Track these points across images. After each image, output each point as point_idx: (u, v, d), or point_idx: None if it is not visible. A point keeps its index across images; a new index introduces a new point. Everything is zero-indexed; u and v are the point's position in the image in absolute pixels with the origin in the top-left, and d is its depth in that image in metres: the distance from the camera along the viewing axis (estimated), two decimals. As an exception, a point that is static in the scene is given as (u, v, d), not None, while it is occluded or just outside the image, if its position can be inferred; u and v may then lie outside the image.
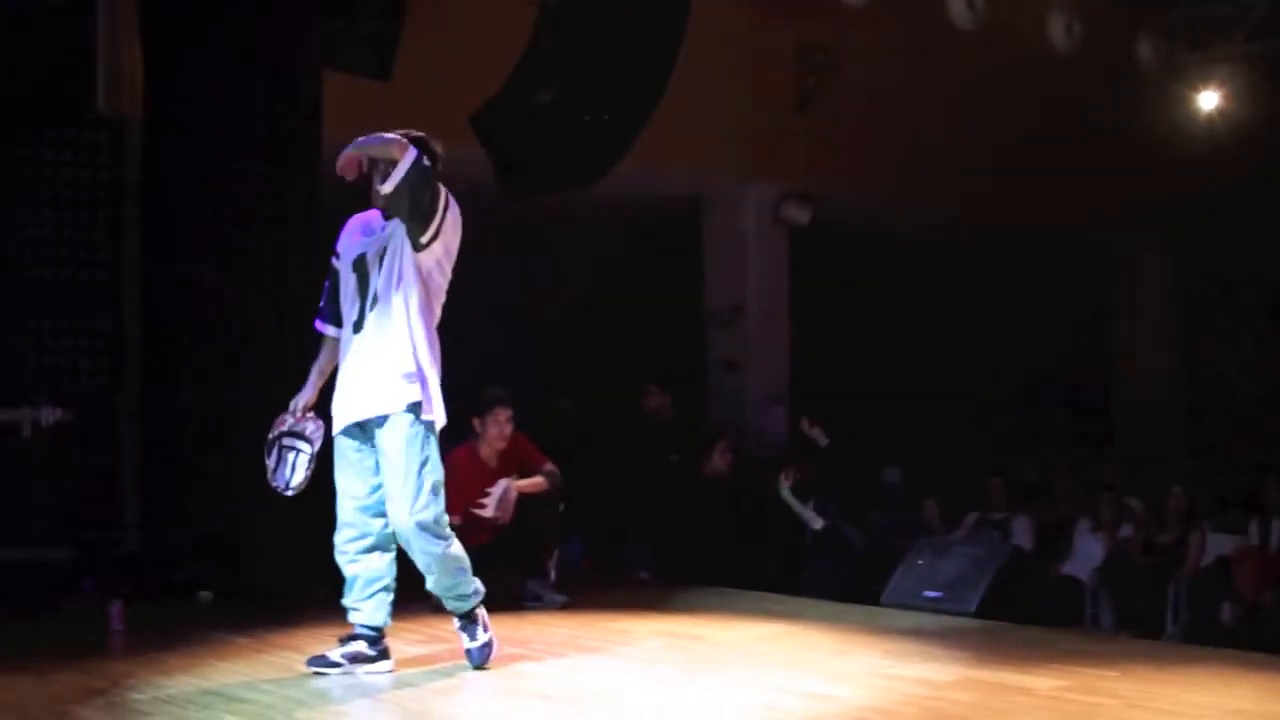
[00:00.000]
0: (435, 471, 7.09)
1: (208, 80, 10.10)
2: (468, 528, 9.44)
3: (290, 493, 7.35)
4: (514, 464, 9.70)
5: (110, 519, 10.69)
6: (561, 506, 9.81)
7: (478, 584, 7.32)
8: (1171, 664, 8.16)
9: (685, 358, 15.56)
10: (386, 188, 7.01)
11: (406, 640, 8.09)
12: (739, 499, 12.73)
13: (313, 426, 7.33)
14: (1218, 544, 11.92)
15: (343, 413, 7.15)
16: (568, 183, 11.62)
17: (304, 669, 7.15)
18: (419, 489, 7.00)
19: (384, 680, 7.10)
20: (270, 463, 7.33)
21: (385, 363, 7.02)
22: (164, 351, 10.30)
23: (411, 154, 6.97)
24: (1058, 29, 14.58)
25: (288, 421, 7.34)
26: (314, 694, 6.76)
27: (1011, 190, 15.75)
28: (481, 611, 7.34)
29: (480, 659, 7.26)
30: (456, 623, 7.32)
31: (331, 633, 7.44)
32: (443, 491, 7.15)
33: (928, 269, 17.11)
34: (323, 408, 7.32)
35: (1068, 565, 12.35)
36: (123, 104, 11.12)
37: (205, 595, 9.48)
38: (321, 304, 7.38)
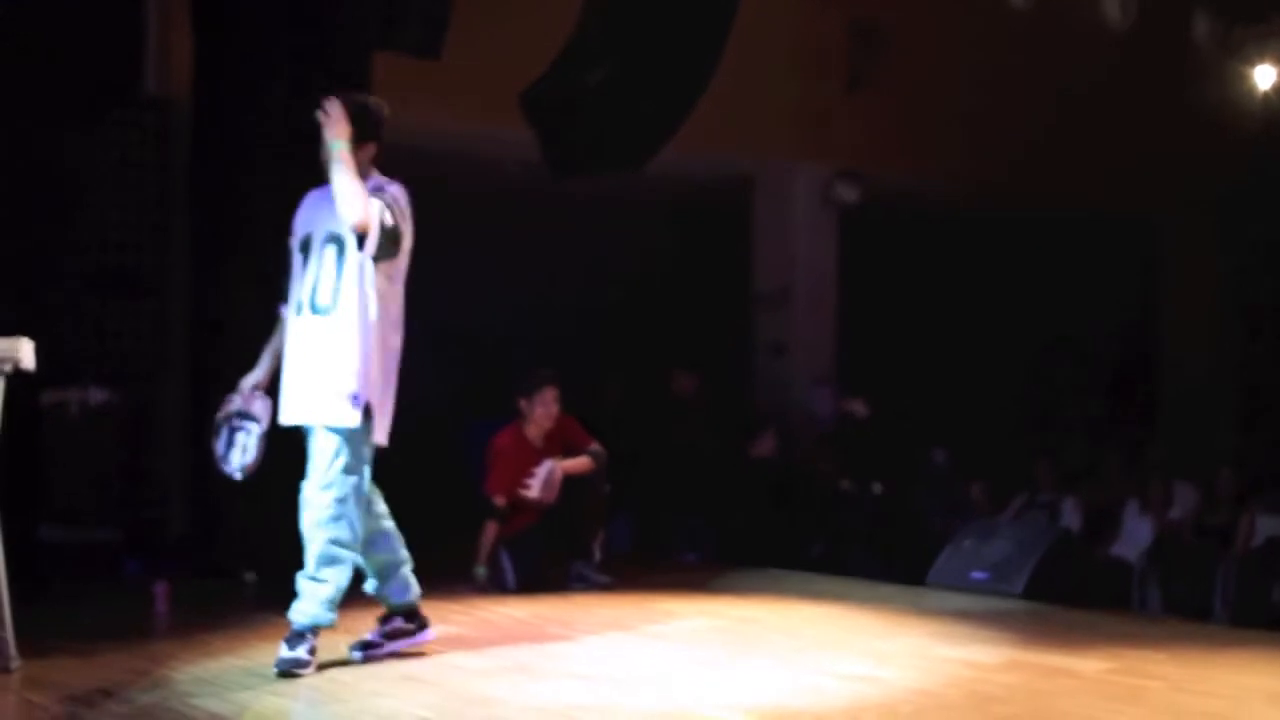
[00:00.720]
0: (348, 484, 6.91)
1: (256, 62, 10.12)
2: (513, 508, 9.48)
3: (239, 475, 7.14)
4: (560, 445, 9.70)
5: (156, 500, 10.74)
6: (607, 488, 9.80)
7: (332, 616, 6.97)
8: (1219, 647, 8.12)
9: (732, 339, 15.54)
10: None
11: (450, 621, 8.12)
12: (785, 481, 12.72)
13: (260, 405, 7.12)
14: (1268, 525, 11.83)
15: (286, 410, 7.02)
16: (616, 164, 11.58)
17: (346, 650, 7.17)
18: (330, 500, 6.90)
19: (425, 660, 7.11)
20: (219, 446, 7.12)
21: (327, 371, 6.84)
22: (210, 333, 10.32)
23: (375, 221, 6.82)
24: (1112, 4, 14.45)
25: (235, 402, 7.15)
26: (357, 674, 6.78)
27: (1063, 169, 15.66)
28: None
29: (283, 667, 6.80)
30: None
31: (373, 612, 7.45)
32: (350, 502, 6.93)
33: (976, 248, 17.02)
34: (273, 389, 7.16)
35: (1116, 547, 12.27)
36: (171, 87, 11.15)
37: (250, 576, 9.51)
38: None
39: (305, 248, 7.09)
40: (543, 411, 9.63)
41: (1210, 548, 11.79)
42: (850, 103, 14.92)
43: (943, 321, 17.04)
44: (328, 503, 6.88)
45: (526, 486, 9.50)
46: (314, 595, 6.87)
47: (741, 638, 8.02)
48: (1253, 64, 14.34)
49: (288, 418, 7.00)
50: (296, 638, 6.81)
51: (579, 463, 9.65)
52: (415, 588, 7.30)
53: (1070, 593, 10.01)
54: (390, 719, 5.99)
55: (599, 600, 9.11)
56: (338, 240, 6.93)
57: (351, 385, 6.78)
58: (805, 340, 15.39)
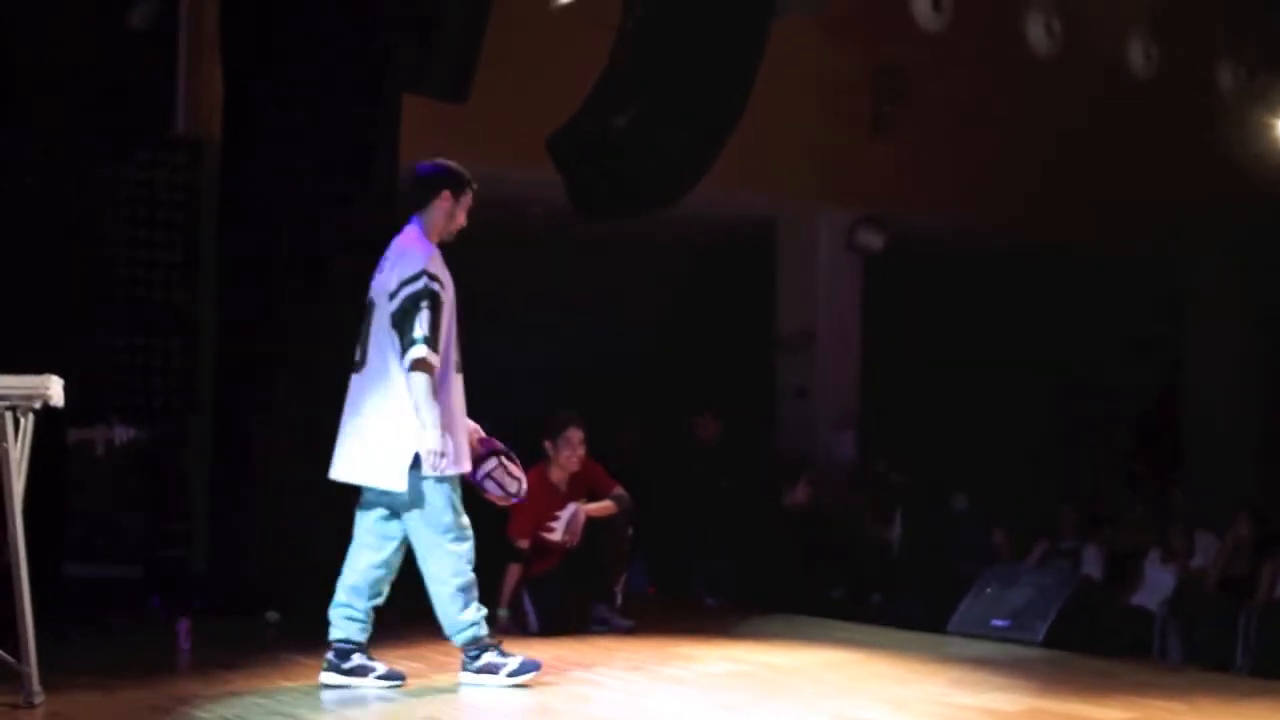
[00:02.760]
0: None
1: (286, 103, 10.19)
2: (536, 551, 9.49)
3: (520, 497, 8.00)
4: (584, 488, 9.71)
5: (180, 538, 10.79)
6: (630, 531, 9.82)
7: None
8: (1240, 697, 8.09)
9: (755, 383, 15.55)
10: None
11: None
12: (812, 526, 12.73)
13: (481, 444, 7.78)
14: (1292, 575, 11.80)
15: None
16: (642, 206, 11.62)
17: (369, 689, 7.21)
18: None
19: (447, 702, 7.13)
20: (496, 492, 7.80)
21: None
22: (237, 372, 10.38)
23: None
24: (1136, 54, 14.51)
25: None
26: (378, 715, 6.80)
27: (1086, 215, 15.69)
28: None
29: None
30: None
31: (396, 653, 7.47)
32: None
33: (1001, 293, 17.03)
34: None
35: (1137, 596, 12.25)
36: (201, 126, 11.25)
37: (273, 615, 9.53)
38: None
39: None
40: (568, 453, 9.64)
41: (1232, 598, 11.75)
42: (873, 147, 14.97)
43: (966, 366, 17.05)
44: None
45: (550, 529, 9.51)
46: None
47: (761, 683, 8.01)
48: (1276, 113, 14.39)
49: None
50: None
51: (603, 506, 9.67)
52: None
53: (1091, 641, 10.00)
54: (411, 760, 6.01)
55: (620, 643, 9.12)
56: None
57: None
58: (828, 384, 15.42)
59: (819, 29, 13.88)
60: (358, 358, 7.46)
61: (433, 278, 7.29)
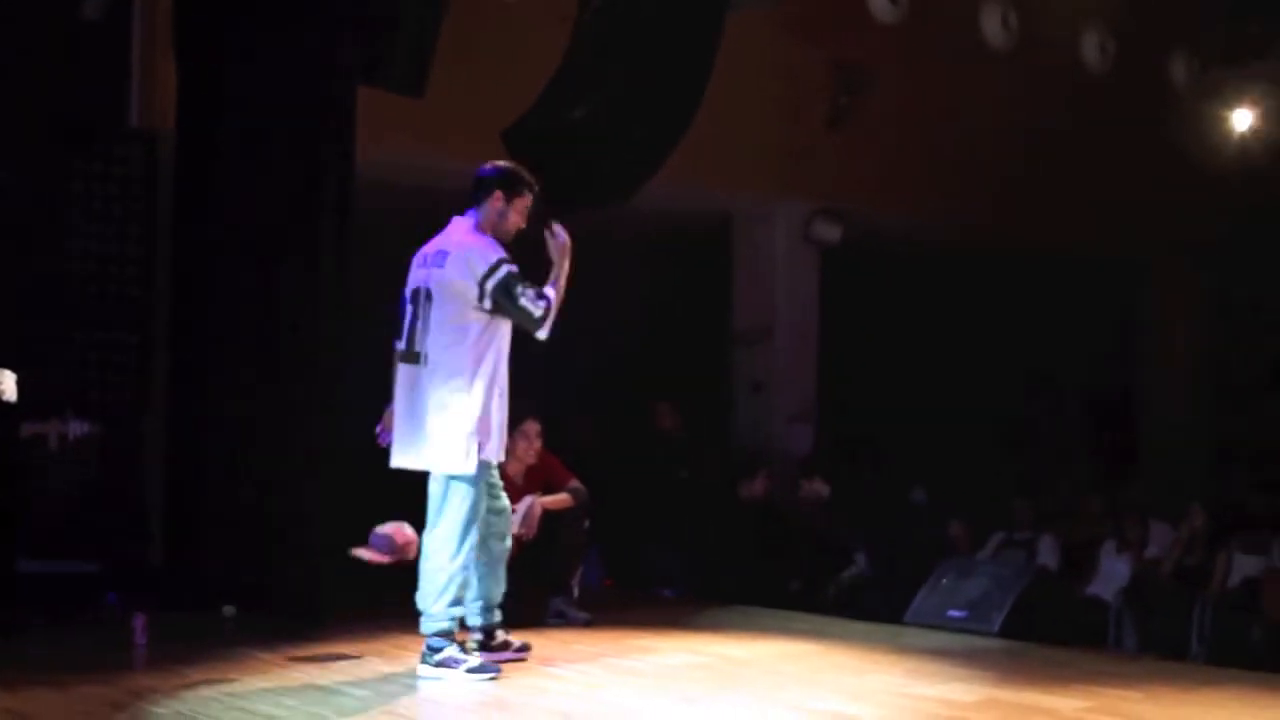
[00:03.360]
0: None
1: (241, 96, 10.14)
2: None
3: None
4: (539, 480, 9.68)
5: (135, 532, 10.73)
6: (586, 524, 9.80)
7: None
8: (1195, 686, 8.14)
9: (712, 377, 15.56)
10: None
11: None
12: (767, 519, 12.75)
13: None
14: (1245, 565, 11.87)
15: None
16: (599, 199, 11.60)
17: (327, 682, 7.21)
18: None
19: (403, 697, 7.12)
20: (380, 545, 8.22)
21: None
22: (192, 366, 10.34)
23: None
24: (1091, 48, 14.58)
25: None
26: (336, 710, 6.77)
27: (1042, 208, 15.76)
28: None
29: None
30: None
31: (355, 647, 7.46)
32: None
33: (957, 286, 17.09)
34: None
35: (1093, 586, 12.30)
36: (156, 119, 11.18)
37: (229, 610, 9.49)
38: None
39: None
40: (524, 446, 9.59)
41: (1187, 587, 11.81)
42: (831, 141, 14.98)
43: (924, 360, 17.10)
44: None
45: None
46: None
47: (718, 675, 8.02)
48: (1230, 107, 14.45)
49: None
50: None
51: (559, 499, 9.64)
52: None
53: (1047, 631, 10.05)
54: (368, 753, 5.99)
55: (577, 636, 9.11)
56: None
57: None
58: (785, 378, 15.42)
59: (776, 23, 13.88)
60: (413, 349, 7.69)
61: (507, 261, 7.70)
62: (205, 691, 7.09)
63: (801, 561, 12.50)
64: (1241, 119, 14.37)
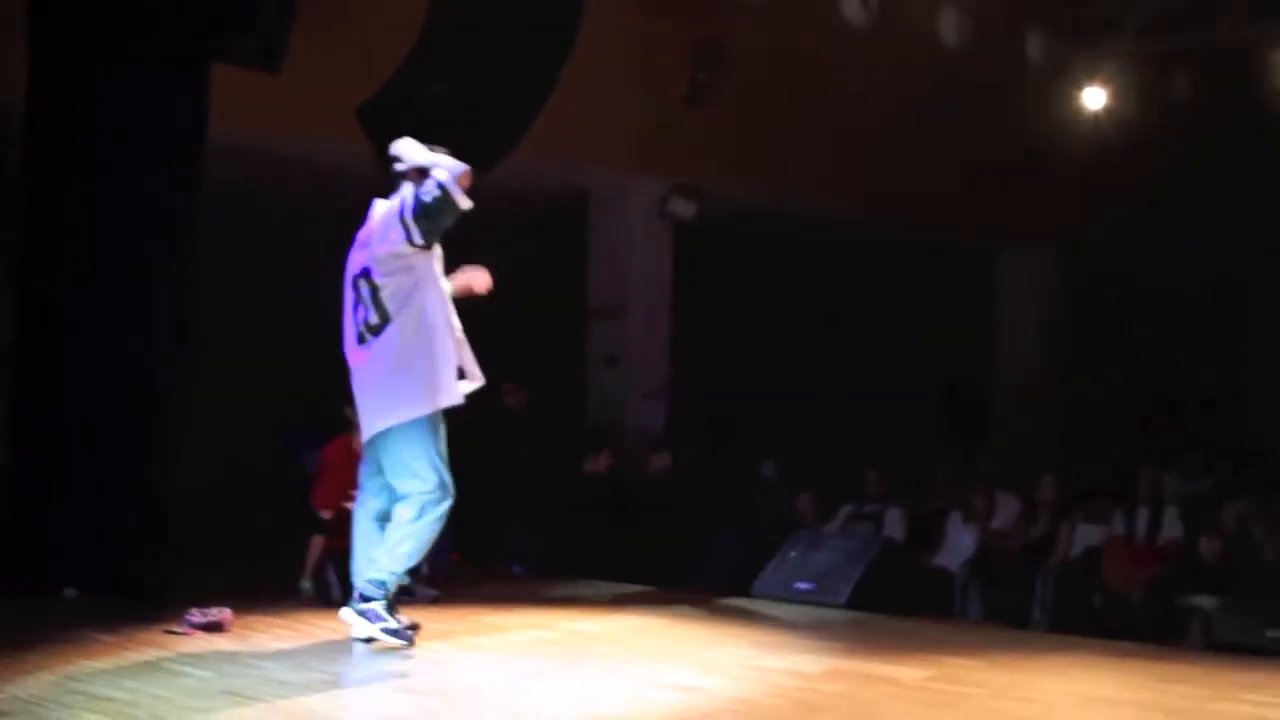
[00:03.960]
0: None
1: (94, 72, 9.94)
2: (340, 522, 9.39)
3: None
4: None
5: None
6: None
7: None
8: (1037, 654, 8.29)
9: (566, 352, 15.55)
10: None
11: (274, 635, 8.11)
12: (615, 494, 12.76)
13: None
14: (1087, 535, 12.06)
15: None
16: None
17: (169, 664, 7.13)
18: None
19: (247, 676, 7.05)
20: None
21: None
22: (38, 343, 10.15)
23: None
24: (949, 26, 14.68)
25: None
26: (179, 691, 6.69)
27: (899, 187, 15.86)
28: None
29: None
30: None
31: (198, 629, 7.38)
32: None
33: (813, 265, 17.22)
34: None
35: (939, 557, 12.45)
36: (5, 96, 10.95)
37: (70, 592, 9.34)
38: None
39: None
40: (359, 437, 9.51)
41: (1031, 557, 11.99)
42: (688, 119, 14.99)
43: (778, 337, 17.22)
44: None
45: (353, 499, 9.43)
46: None
47: (569, 649, 8.04)
48: (1082, 87, 14.62)
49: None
50: None
51: None
52: None
53: (894, 602, 10.16)
54: (210, 734, 5.93)
55: (426, 613, 9.04)
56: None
57: None
58: (639, 354, 15.44)
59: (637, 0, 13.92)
60: (367, 326, 7.97)
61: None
62: (44, 676, 6.96)
63: (647, 536, 12.50)
64: (1095, 98, 14.53)
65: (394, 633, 7.75)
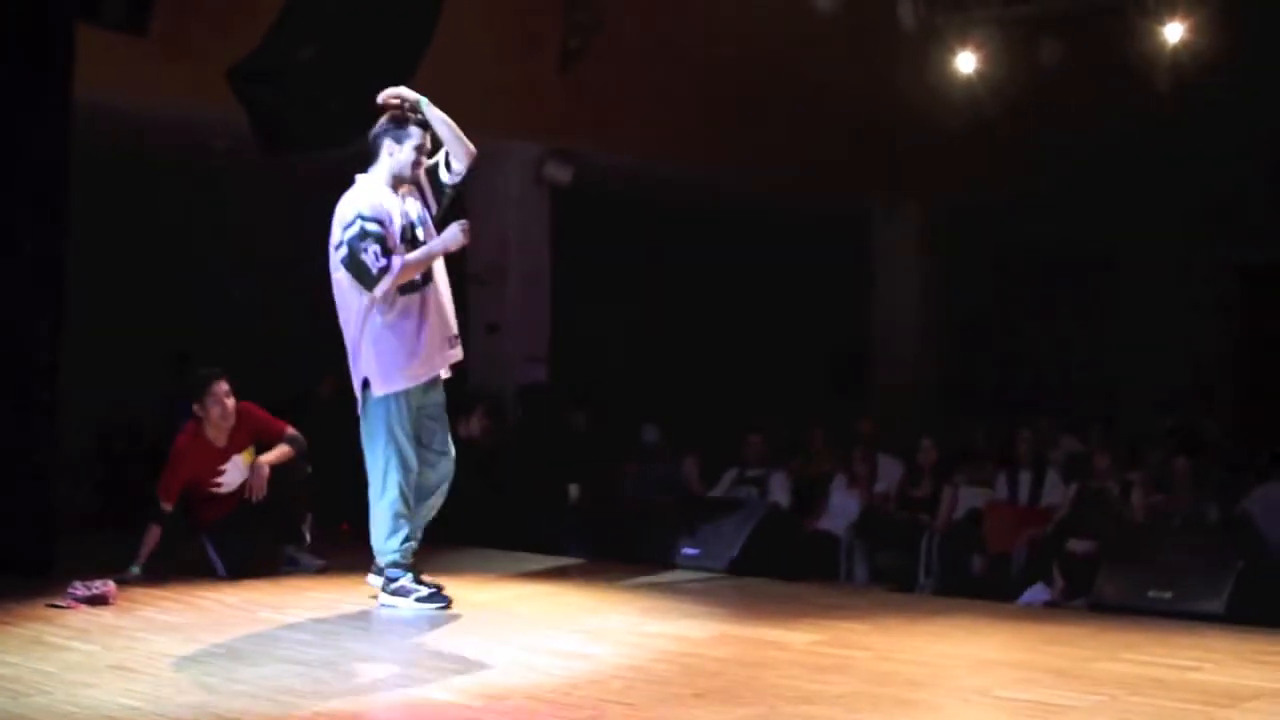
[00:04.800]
0: None
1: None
2: (206, 500, 9.29)
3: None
4: (248, 436, 9.46)
5: None
6: (308, 469, 9.65)
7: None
8: (922, 616, 8.35)
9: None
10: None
11: (160, 608, 8.03)
12: (496, 461, 12.70)
13: None
14: (970, 498, 12.19)
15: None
16: (326, 141, 11.44)
17: (54, 638, 7.04)
18: None
19: (134, 649, 6.97)
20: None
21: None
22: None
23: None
24: (819, -14, 14.66)
25: None
26: (64, 665, 6.60)
27: (775, 152, 15.90)
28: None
29: None
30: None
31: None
32: None
33: (693, 229, 17.24)
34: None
35: (823, 520, 12.53)
36: None
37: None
38: None
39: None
40: (217, 411, 9.34)
41: (915, 520, 12.10)
42: (562, 83, 14.94)
43: (660, 301, 17.25)
44: None
45: (217, 485, 9.36)
46: None
47: (454, 618, 8.00)
48: (954, 52, 14.68)
49: (431, 374, 8.27)
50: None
51: (281, 453, 9.47)
52: None
53: (779, 566, 10.20)
54: (98, 710, 5.83)
55: (312, 583, 9.02)
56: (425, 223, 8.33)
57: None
58: (519, 319, 15.41)
59: (506, -37, 13.85)
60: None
61: (365, 217, 8.01)
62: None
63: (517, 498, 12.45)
64: (966, 62, 14.60)
65: (427, 599, 8.06)
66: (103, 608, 8.00)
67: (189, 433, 9.34)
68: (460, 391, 14.42)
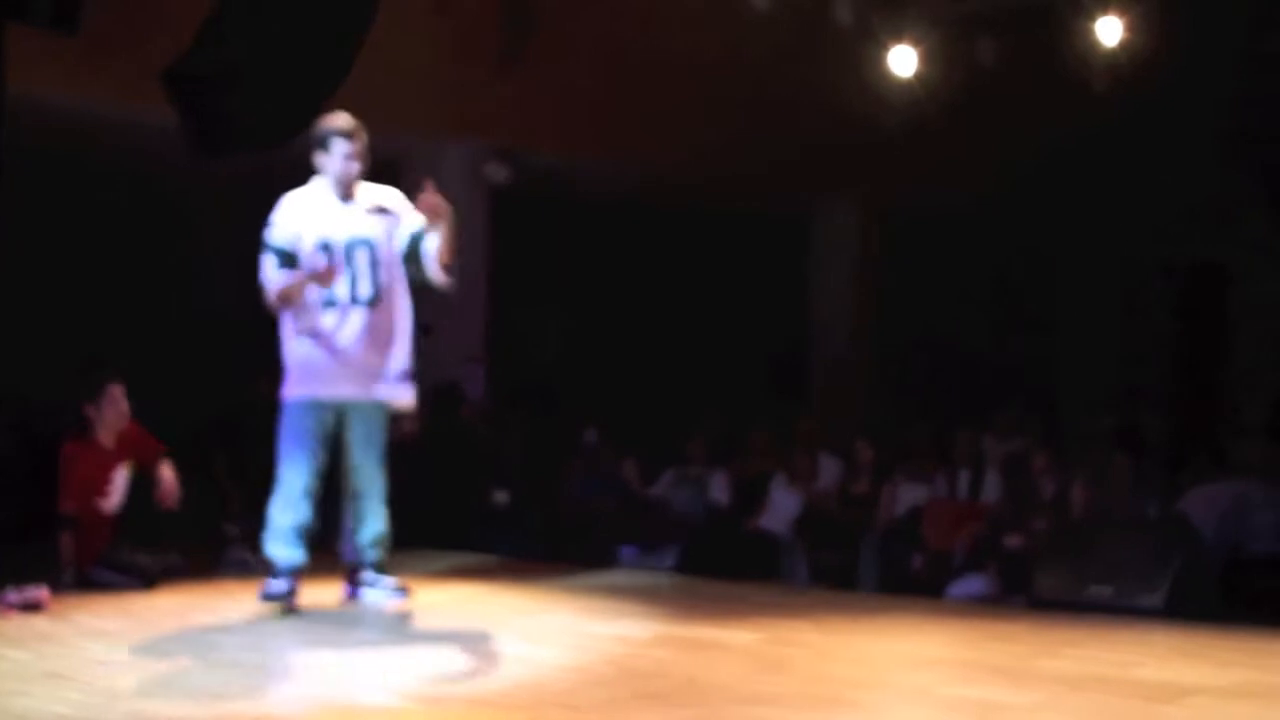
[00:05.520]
0: None
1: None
2: (89, 525, 9.18)
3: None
4: (131, 446, 9.39)
5: None
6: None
7: None
8: (863, 614, 8.36)
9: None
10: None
11: (93, 613, 7.93)
12: (431, 460, 12.62)
13: None
14: (910, 495, 12.19)
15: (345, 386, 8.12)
16: (261, 142, 11.35)
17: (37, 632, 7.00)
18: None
19: (66, 656, 6.89)
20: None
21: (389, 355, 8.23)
22: None
23: None
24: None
25: None
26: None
27: (715, 152, 15.86)
28: None
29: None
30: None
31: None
32: None
33: (632, 229, 17.21)
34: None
35: (764, 519, 12.50)
36: None
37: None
38: None
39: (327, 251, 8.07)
40: (113, 412, 9.31)
41: (855, 518, 12.09)
42: (501, 82, 14.88)
43: (599, 301, 17.22)
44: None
45: (105, 494, 9.27)
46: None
47: (393, 620, 7.97)
48: (890, 50, 14.69)
49: (346, 393, 8.08)
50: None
51: (167, 479, 9.38)
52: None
53: (720, 566, 10.19)
54: (27, 719, 5.75)
55: (246, 587, 8.91)
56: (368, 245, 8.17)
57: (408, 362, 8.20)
58: (456, 320, 15.32)
59: (442, -42, 13.79)
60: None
61: (272, 225, 8.18)
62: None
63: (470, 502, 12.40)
64: (902, 61, 14.59)
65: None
66: (36, 614, 7.91)
67: (78, 438, 9.28)
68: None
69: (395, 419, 10.34)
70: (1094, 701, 5.98)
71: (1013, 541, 10.64)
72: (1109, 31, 13.38)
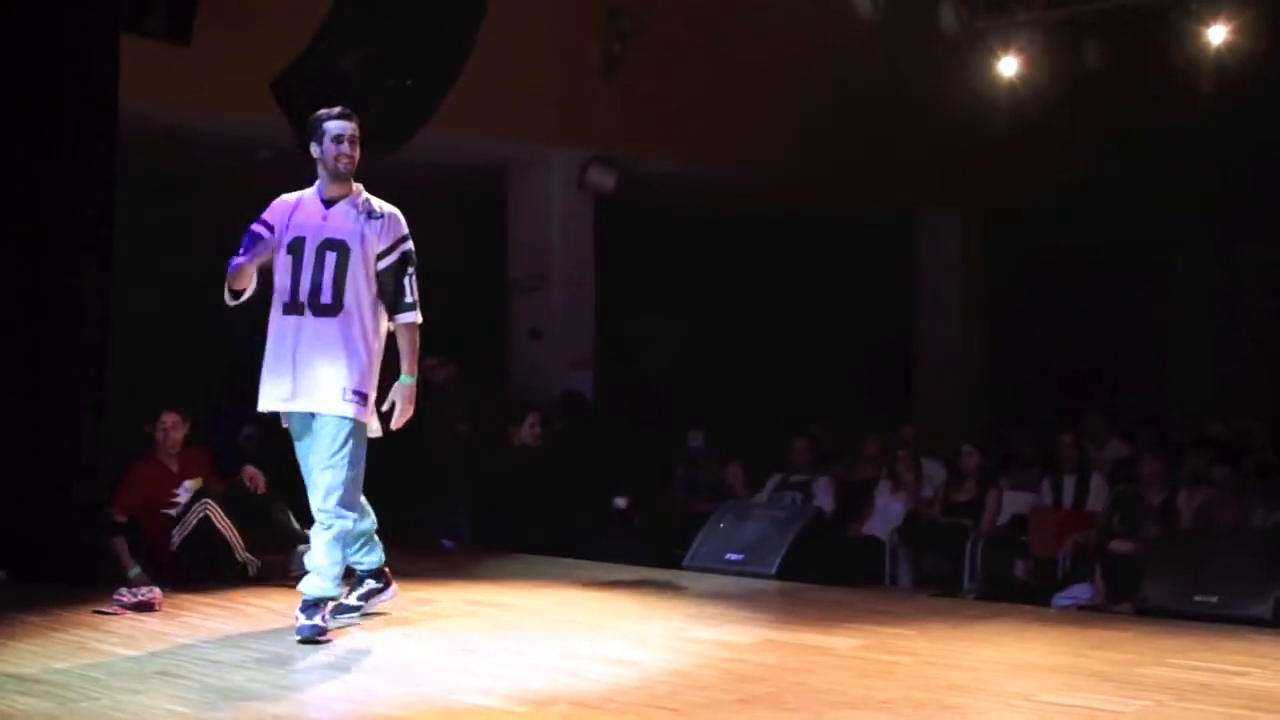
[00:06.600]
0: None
1: (3, 42, 9.81)
2: (155, 529, 9.48)
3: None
4: (194, 465, 9.72)
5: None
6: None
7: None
8: (967, 621, 8.32)
9: (490, 326, 15.51)
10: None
11: (204, 614, 8.05)
12: (547, 467, 12.71)
13: None
14: (1014, 502, 12.16)
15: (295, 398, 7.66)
16: (370, 148, 11.45)
17: (100, 645, 7.07)
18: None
19: (179, 655, 7.01)
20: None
21: (340, 366, 7.64)
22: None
23: None
24: (863, -1, 14.62)
25: None
26: (110, 672, 6.64)
27: (819, 157, 15.87)
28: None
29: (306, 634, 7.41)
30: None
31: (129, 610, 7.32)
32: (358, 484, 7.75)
33: (736, 235, 17.23)
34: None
35: (868, 525, 12.51)
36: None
37: (0, 575, 9.25)
38: None
39: (295, 249, 7.73)
40: (163, 436, 9.69)
41: (959, 525, 12.07)
42: (606, 89, 14.96)
43: (703, 307, 17.25)
44: (338, 484, 7.56)
45: (173, 505, 9.54)
46: (326, 570, 7.57)
47: (499, 623, 8.02)
48: (996, 56, 14.64)
49: (296, 405, 7.63)
50: (311, 607, 7.47)
51: (250, 472, 9.72)
52: (380, 550, 8.05)
53: (824, 572, 10.19)
54: (143, 715, 5.87)
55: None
56: (339, 247, 7.77)
57: (360, 381, 7.62)
58: (563, 325, 15.43)
59: (547, -32, 13.88)
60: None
61: (252, 222, 7.80)
62: (-28, 657, 6.91)
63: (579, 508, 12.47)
64: (1008, 66, 14.54)
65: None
66: (149, 614, 8.05)
67: (145, 455, 9.69)
68: (507, 398, 14.58)
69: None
70: (1199, 710, 5.95)
71: (1122, 547, 10.58)
72: (1215, 33, 13.28)
